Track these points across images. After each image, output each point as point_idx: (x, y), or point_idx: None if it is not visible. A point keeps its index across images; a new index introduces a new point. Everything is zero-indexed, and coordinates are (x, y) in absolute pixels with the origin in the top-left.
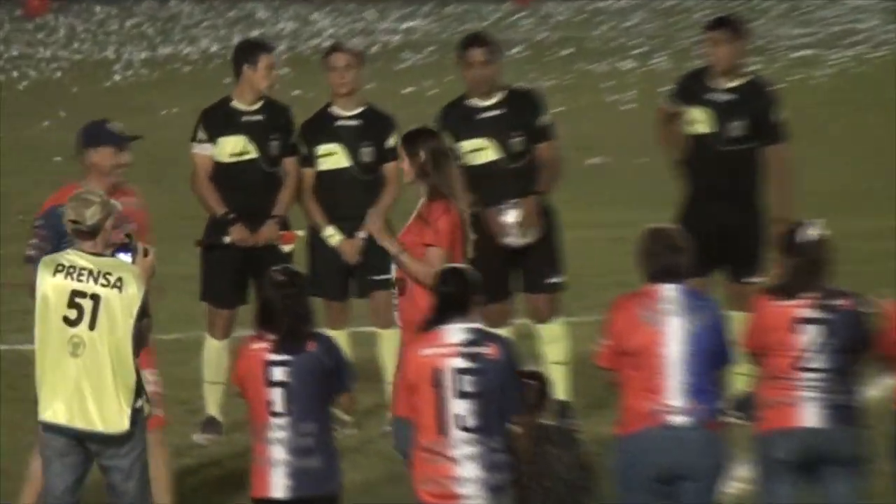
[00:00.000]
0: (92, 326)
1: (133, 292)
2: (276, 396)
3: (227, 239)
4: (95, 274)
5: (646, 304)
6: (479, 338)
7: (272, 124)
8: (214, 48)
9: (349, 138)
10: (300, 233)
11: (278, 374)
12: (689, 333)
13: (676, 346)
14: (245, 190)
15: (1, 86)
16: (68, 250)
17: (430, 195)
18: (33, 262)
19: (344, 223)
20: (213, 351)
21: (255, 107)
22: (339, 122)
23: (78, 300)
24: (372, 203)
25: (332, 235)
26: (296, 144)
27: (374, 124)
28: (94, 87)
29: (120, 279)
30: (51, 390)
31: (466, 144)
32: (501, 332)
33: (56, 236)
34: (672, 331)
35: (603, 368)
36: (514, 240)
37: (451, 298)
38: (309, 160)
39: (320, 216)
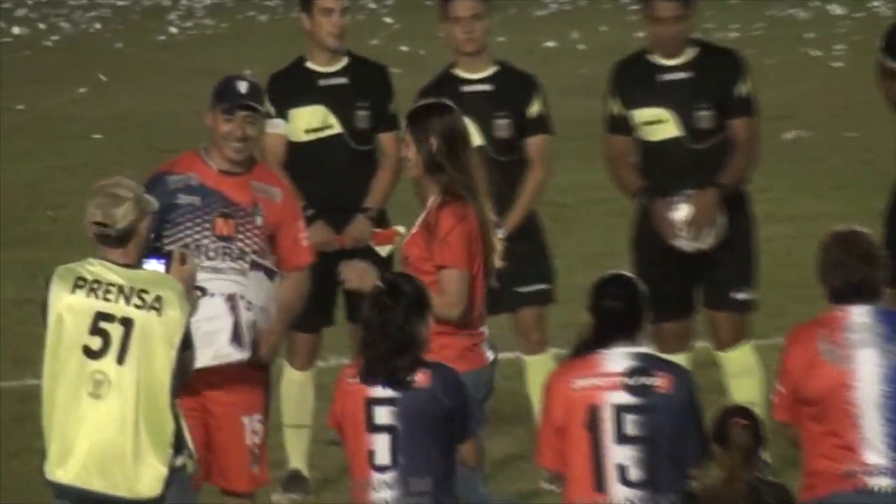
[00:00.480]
0: (121, 360)
1: (175, 316)
2: (380, 444)
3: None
4: (127, 291)
5: (829, 335)
6: (648, 366)
7: (360, 89)
8: None
9: (479, 109)
10: (401, 229)
11: (382, 415)
12: (888, 369)
13: (871, 387)
14: (326, 175)
15: (24, 42)
16: (91, 259)
17: (443, 195)
18: None
19: None
20: (295, 385)
21: (336, 67)
22: (466, 88)
23: (103, 325)
24: (511, 192)
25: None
26: (395, 115)
27: (510, 89)
28: (143, 42)
29: (159, 299)
30: (62, 441)
31: (641, 114)
32: (676, 359)
33: (160, 210)
34: (865, 368)
35: (781, 423)
36: (685, 243)
37: (614, 315)
38: None
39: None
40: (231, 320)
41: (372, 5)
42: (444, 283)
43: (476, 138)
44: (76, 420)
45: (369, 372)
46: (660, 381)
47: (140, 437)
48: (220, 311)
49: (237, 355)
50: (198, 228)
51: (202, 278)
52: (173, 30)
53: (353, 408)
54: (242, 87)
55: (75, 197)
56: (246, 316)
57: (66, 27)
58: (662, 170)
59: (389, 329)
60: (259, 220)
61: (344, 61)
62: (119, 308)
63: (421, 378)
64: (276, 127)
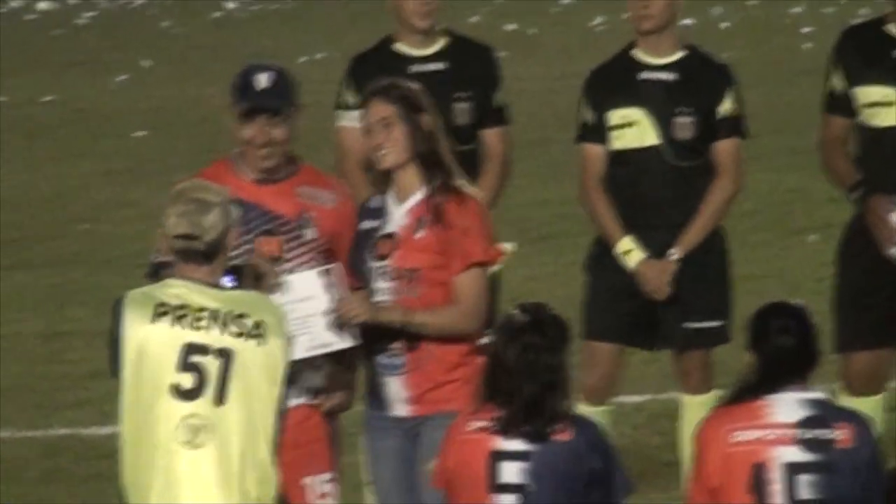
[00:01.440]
0: (220, 399)
1: (280, 345)
2: None
3: None
4: (222, 317)
5: None
6: (826, 415)
7: (460, 76)
8: None
9: (658, 99)
10: (508, 246)
11: (510, 472)
12: None
13: None
14: None
15: (52, 19)
16: (170, 281)
17: (443, 182)
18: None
19: (650, 234)
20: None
21: (431, 50)
22: (644, 75)
23: (196, 359)
24: (691, 204)
25: (630, 252)
26: (502, 107)
27: (697, 78)
28: (194, 20)
29: (260, 325)
30: (151, 501)
31: (866, 93)
32: (867, 402)
33: None
34: None
35: None
36: None
37: (785, 353)
38: (596, 132)
39: (610, 221)
40: (327, 300)
41: None
42: (467, 286)
43: (650, 136)
44: (167, 476)
45: (509, 421)
46: (840, 434)
47: (250, 496)
48: (315, 287)
49: (338, 344)
50: (237, 252)
51: None
52: (230, 5)
53: (471, 462)
54: (262, 80)
55: (113, 208)
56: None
57: (103, 1)
58: (885, 160)
59: (536, 370)
60: (309, 234)
61: (441, 43)
62: (214, 337)
63: (561, 430)
64: (354, 119)
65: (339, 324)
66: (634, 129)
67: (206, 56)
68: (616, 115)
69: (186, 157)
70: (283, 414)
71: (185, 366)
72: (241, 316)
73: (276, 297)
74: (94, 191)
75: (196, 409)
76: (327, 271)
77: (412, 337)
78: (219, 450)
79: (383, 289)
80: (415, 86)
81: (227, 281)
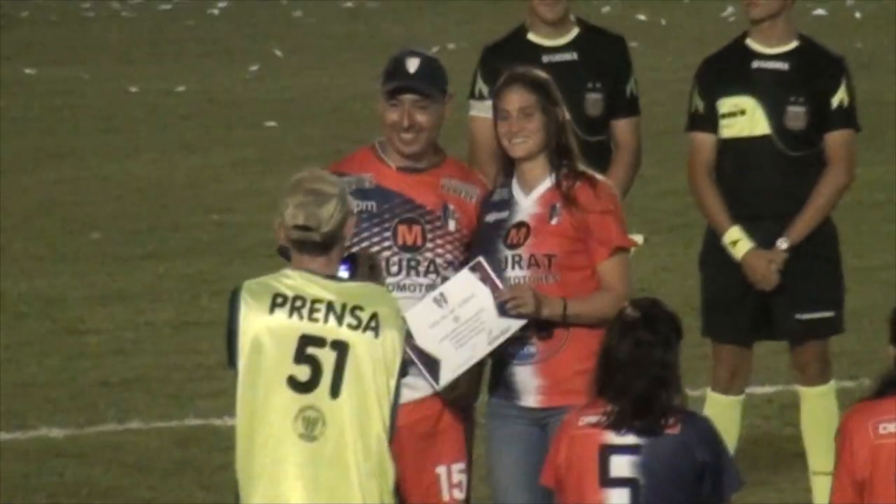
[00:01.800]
0: (335, 392)
1: (395, 337)
2: (617, 501)
3: None
4: (338, 309)
5: None
6: None
7: (591, 67)
8: None
9: (770, 88)
10: (638, 238)
11: (621, 466)
12: None
13: None
14: None
15: (185, 9)
16: (287, 272)
17: (570, 168)
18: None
19: (758, 224)
20: None
21: (563, 40)
22: (756, 64)
23: (312, 350)
24: (800, 194)
25: (737, 242)
26: (635, 97)
27: (811, 68)
28: (327, 9)
29: (375, 316)
30: (270, 496)
31: (723, 104)
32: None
33: None
34: None
35: None
36: None
37: None
38: (707, 120)
39: (718, 211)
40: (489, 292)
41: None
42: (617, 271)
43: (762, 125)
44: (284, 468)
45: (620, 416)
46: None
47: (367, 487)
48: (472, 285)
49: (515, 326)
50: (376, 239)
51: None
52: None
53: (582, 457)
54: (412, 64)
55: (245, 197)
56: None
57: None
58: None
59: (647, 365)
60: (452, 225)
61: (573, 33)
62: (330, 329)
63: (672, 425)
64: (487, 109)
65: (506, 312)
66: (745, 117)
67: (337, 45)
68: (727, 104)
69: (318, 146)
70: (396, 406)
71: (302, 357)
72: (357, 308)
73: (436, 311)
74: (227, 181)
75: (312, 401)
76: (476, 266)
77: (546, 325)
78: (336, 442)
79: (518, 277)
80: (548, 76)
81: (342, 270)
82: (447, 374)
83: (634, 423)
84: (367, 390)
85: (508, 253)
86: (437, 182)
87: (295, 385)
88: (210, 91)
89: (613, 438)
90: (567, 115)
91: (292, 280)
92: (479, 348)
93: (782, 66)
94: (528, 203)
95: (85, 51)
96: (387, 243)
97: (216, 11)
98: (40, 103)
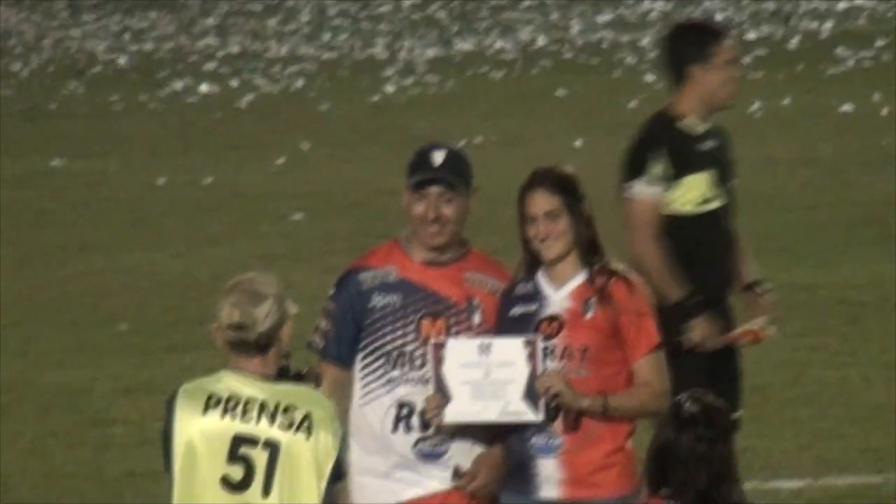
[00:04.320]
0: (267, 491)
1: (327, 440)
2: None
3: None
4: (270, 408)
5: None
6: None
7: (728, 152)
8: (541, 41)
9: None
10: (768, 329)
11: None
12: None
13: None
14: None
15: (213, 102)
16: (222, 373)
17: (602, 264)
18: (321, 353)
19: None
20: None
21: (706, 127)
22: None
23: (245, 450)
24: None
25: None
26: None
27: None
28: (354, 103)
29: (307, 418)
30: None
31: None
32: None
33: (353, 315)
34: None
35: None
36: None
37: None
38: None
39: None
40: (528, 370)
41: None
42: (655, 367)
43: None
44: None
45: None
46: None
47: None
48: (517, 355)
49: (530, 415)
50: (399, 333)
51: (407, 392)
52: (390, 88)
53: None
54: (438, 157)
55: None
56: (544, 370)
57: (263, 84)
58: None
59: (709, 460)
60: (477, 319)
61: (710, 121)
62: (262, 429)
63: None
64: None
65: (537, 397)
66: None
67: (364, 139)
68: None
69: (344, 240)
70: None
71: (235, 457)
72: (289, 408)
73: (475, 355)
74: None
75: (246, 501)
76: (531, 342)
77: (575, 418)
78: None
79: (549, 368)
80: (572, 171)
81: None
82: (450, 416)
83: None
84: (298, 490)
85: (541, 342)
86: (462, 275)
87: (229, 485)
88: (236, 184)
89: None
90: (592, 210)
91: (227, 381)
92: (489, 412)
93: None
94: (558, 297)
95: (112, 143)
96: (410, 336)
97: (243, 105)
98: (67, 195)
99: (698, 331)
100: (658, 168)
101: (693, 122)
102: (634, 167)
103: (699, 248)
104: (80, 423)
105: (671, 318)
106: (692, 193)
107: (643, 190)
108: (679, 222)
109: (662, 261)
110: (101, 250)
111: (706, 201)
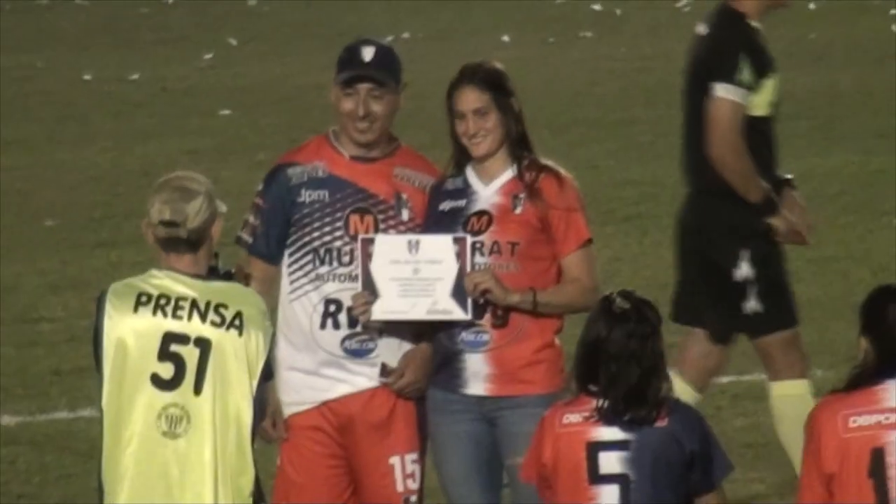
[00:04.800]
0: (198, 389)
1: (258, 338)
2: (608, 498)
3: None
4: (202, 306)
5: None
6: None
7: None
8: None
9: None
10: None
11: (611, 462)
12: None
13: None
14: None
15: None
16: (154, 271)
17: (532, 159)
18: (249, 249)
19: None
20: None
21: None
22: None
23: (175, 348)
24: None
25: None
26: None
27: None
28: None
29: (239, 315)
30: (128, 493)
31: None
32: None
33: (281, 211)
34: None
35: None
36: None
37: None
38: None
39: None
40: (457, 268)
41: None
42: (585, 263)
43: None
44: (146, 466)
45: (612, 409)
46: None
47: (221, 487)
48: (446, 253)
49: (458, 313)
50: (327, 229)
51: (335, 289)
52: None
53: (570, 455)
54: (367, 53)
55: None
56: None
57: None
58: None
59: (641, 355)
60: (405, 215)
61: None
62: (193, 327)
63: (660, 417)
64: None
65: (465, 295)
66: None
67: (292, 34)
68: None
69: (272, 135)
70: (262, 408)
71: (166, 355)
72: (221, 306)
73: (404, 252)
74: (181, 169)
75: (175, 399)
76: (460, 240)
77: (503, 314)
78: (198, 440)
79: (479, 263)
80: (501, 67)
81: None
82: (378, 313)
83: (626, 416)
84: (229, 388)
85: (469, 240)
86: (391, 171)
87: (159, 383)
88: (164, 79)
89: (601, 435)
90: (521, 105)
91: (158, 279)
92: (417, 310)
93: None
94: (488, 193)
95: (40, 38)
96: (339, 233)
97: (170, 0)
98: None
99: (784, 223)
100: (746, 72)
101: (757, 23)
102: (721, 69)
103: (767, 149)
104: (7, 321)
105: (758, 214)
106: (769, 97)
107: (733, 92)
108: (753, 123)
109: (748, 161)
110: (29, 146)
111: (773, 104)
